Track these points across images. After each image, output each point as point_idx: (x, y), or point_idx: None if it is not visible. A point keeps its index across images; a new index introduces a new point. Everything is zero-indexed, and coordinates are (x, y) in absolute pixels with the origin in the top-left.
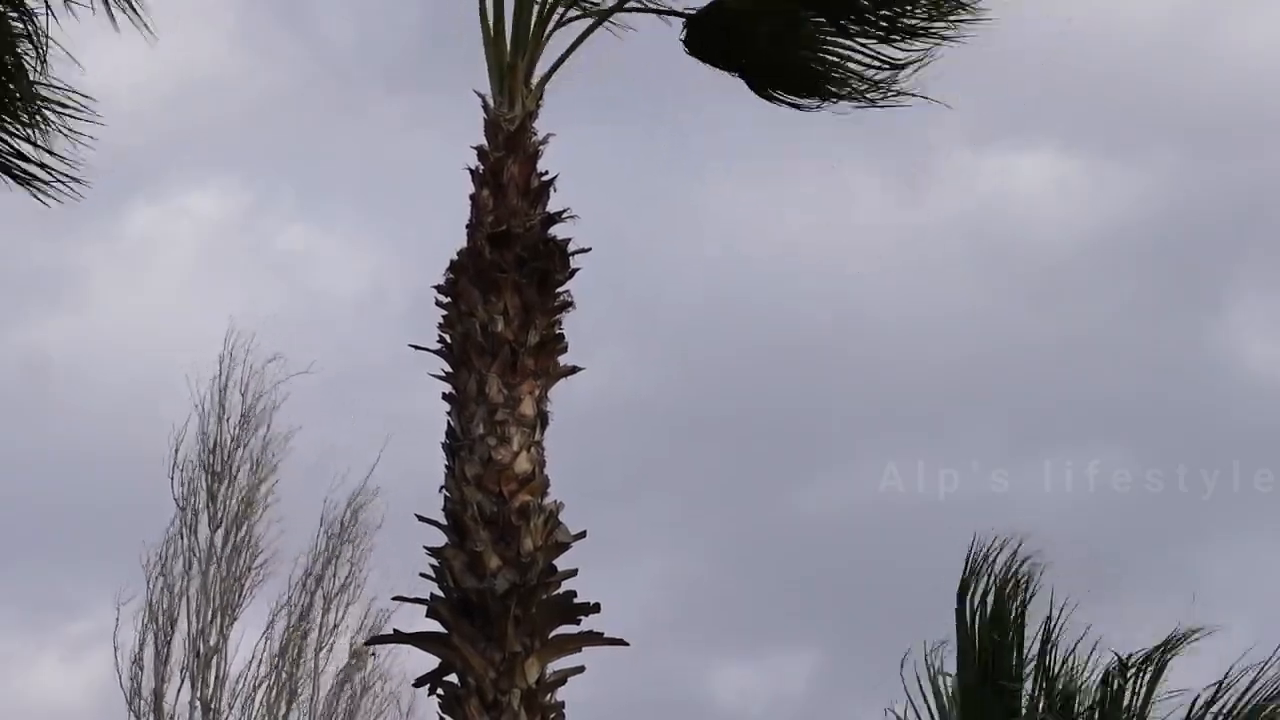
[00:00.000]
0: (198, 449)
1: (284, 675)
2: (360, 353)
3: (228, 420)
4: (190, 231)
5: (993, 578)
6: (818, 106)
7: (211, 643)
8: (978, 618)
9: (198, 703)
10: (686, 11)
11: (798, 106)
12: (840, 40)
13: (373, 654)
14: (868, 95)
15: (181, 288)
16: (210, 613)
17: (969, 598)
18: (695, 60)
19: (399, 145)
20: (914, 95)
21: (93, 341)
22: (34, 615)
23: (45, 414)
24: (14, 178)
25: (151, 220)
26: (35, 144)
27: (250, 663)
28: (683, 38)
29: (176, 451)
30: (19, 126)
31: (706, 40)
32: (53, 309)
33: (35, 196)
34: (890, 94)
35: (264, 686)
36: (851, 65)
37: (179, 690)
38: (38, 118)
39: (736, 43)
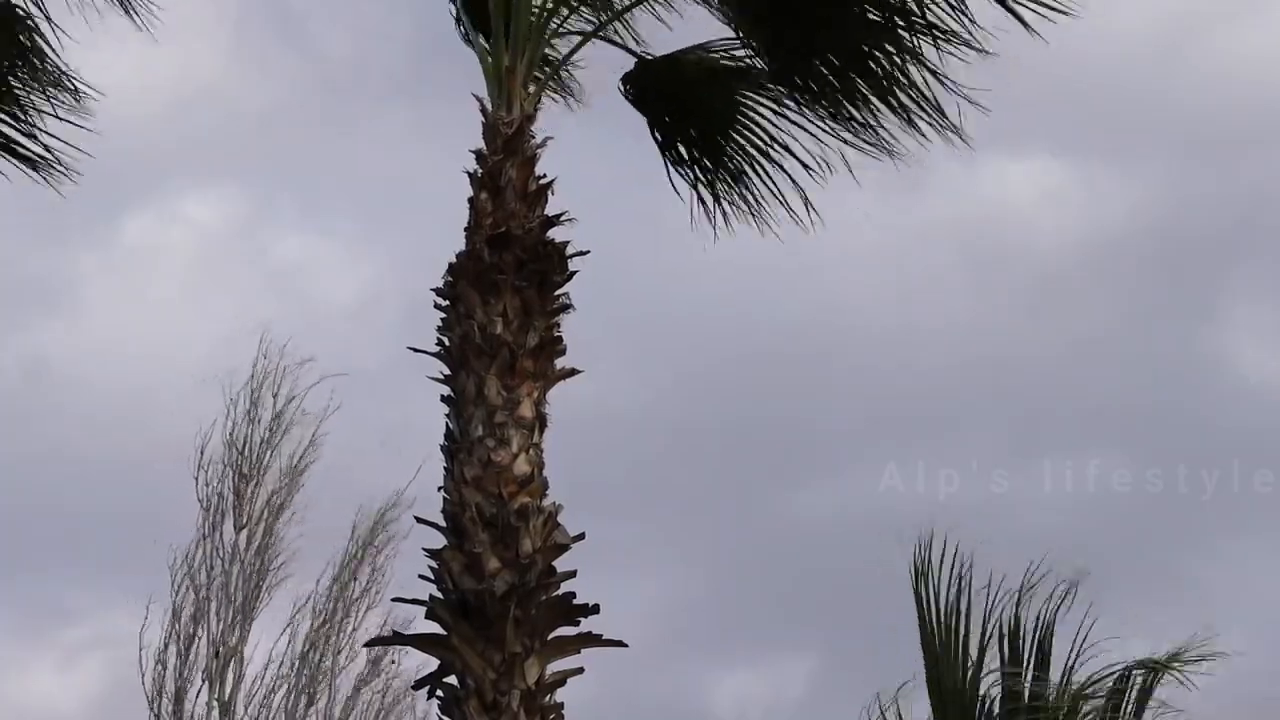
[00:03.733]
0: (224, 450)
1: (304, 678)
2: (356, 359)
3: (258, 422)
4: (187, 240)
5: (936, 578)
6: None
7: (232, 644)
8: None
9: (215, 704)
10: (644, 55)
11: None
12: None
13: (393, 661)
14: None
15: (179, 296)
16: (231, 614)
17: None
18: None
19: (396, 156)
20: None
21: (89, 348)
22: (30, 621)
23: (42, 420)
24: (17, 157)
25: (148, 229)
26: (42, 114)
27: (267, 664)
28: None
29: (202, 453)
30: (22, 109)
31: (640, 83)
32: (50, 316)
33: (37, 178)
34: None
35: (282, 689)
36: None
37: (199, 692)
38: (42, 97)
39: (658, 93)
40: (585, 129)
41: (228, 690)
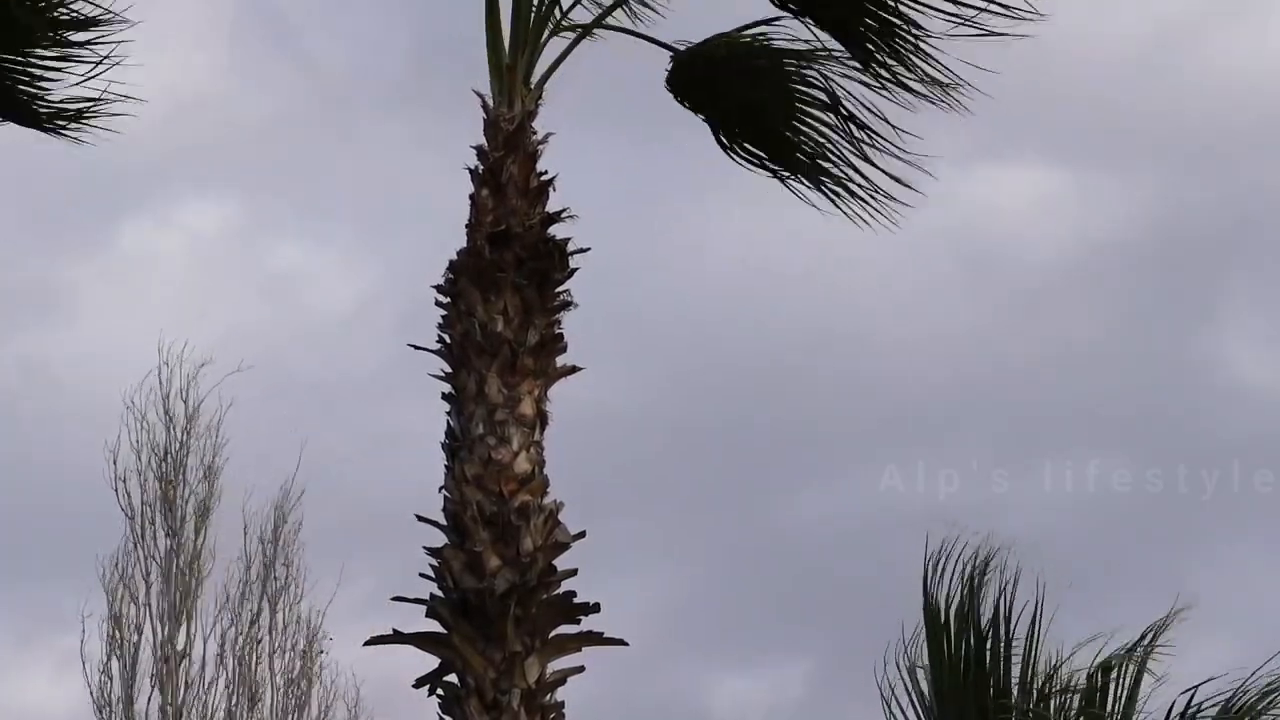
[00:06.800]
0: (147, 458)
1: (240, 679)
2: (352, 366)
3: (175, 427)
4: (184, 247)
5: (959, 573)
6: (785, 176)
7: (180, 648)
8: (950, 614)
9: (169, 708)
10: (675, 46)
11: (765, 169)
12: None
13: (321, 651)
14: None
15: (176, 302)
16: (174, 620)
17: (936, 595)
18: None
19: (393, 164)
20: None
21: (88, 354)
22: (27, 626)
23: (42, 424)
24: (44, 122)
25: (146, 235)
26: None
27: (203, 666)
28: (666, 74)
29: (115, 463)
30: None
31: (687, 83)
32: (49, 321)
33: (72, 135)
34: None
35: (217, 687)
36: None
37: (149, 698)
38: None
39: (711, 93)
40: (587, 126)
41: (180, 696)
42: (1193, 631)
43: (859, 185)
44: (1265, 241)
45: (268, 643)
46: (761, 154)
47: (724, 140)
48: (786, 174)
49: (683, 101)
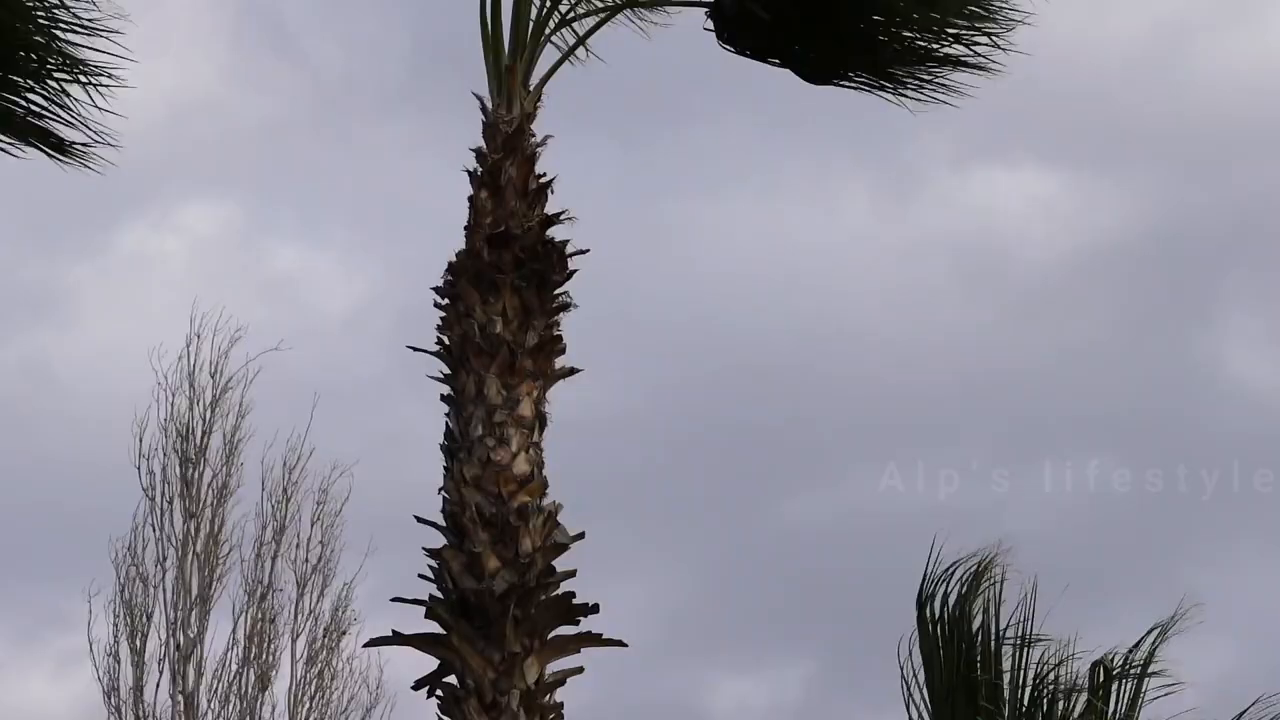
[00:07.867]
0: (168, 436)
1: (252, 660)
2: (351, 367)
3: (198, 404)
4: (184, 250)
5: (953, 582)
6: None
7: (193, 634)
8: (940, 622)
9: (180, 697)
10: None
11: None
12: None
13: (343, 631)
14: (933, 83)
15: (175, 304)
16: (189, 603)
17: (930, 603)
18: (731, 54)
19: (392, 167)
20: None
21: (88, 355)
22: (26, 626)
23: (42, 425)
24: (42, 143)
25: (145, 238)
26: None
27: (226, 653)
28: (713, 28)
29: (140, 439)
30: (45, 87)
31: (742, 30)
32: (49, 322)
33: (63, 160)
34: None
35: (238, 676)
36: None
37: (158, 684)
38: (63, 73)
39: (781, 31)
40: (585, 128)
41: (190, 683)
42: (1193, 631)
43: (949, 53)
44: (1265, 242)
45: (289, 615)
46: (851, 70)
47: (807, 73)
48: (876, 81)
49: (745, 51)
